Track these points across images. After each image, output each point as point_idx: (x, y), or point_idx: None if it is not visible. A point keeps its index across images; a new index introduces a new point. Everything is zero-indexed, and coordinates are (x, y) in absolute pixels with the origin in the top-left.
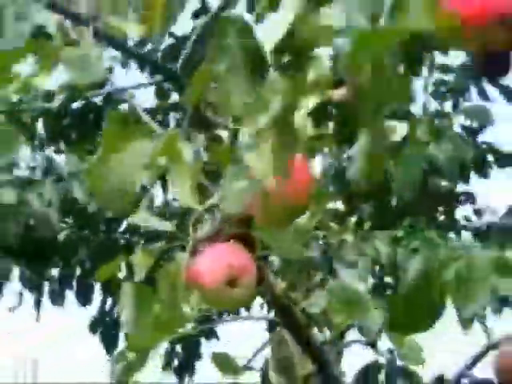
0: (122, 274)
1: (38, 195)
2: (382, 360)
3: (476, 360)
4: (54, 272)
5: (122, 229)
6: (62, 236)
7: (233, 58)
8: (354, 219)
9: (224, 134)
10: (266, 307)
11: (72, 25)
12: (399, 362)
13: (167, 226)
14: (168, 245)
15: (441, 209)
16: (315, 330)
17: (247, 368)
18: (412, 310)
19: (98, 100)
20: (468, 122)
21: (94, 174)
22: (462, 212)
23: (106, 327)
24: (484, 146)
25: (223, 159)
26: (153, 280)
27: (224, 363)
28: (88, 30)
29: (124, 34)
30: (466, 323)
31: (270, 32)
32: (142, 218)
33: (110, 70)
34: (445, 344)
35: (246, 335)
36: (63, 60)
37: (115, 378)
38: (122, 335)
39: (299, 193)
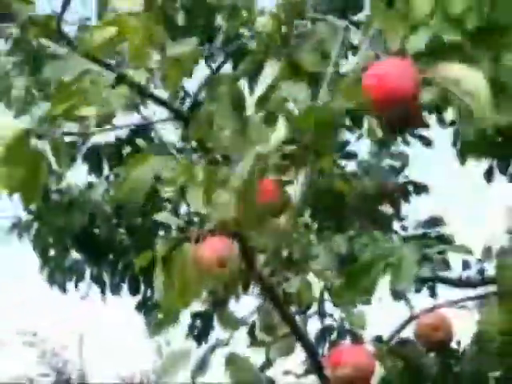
0: None
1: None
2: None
3: (402, 326)
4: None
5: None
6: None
7: (222, 101)
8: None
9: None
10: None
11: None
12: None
13: (180, 222)
14: (179, 236)
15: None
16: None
17: (243, 323)
18: (358, 285)
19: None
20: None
21: (125, 177)
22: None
23: (147, 309)
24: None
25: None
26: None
27: (227, 319)
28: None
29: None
30: (397, 296)
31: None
32: (164, 217)
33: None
34: (380, 314)
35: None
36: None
37: (149, 332)
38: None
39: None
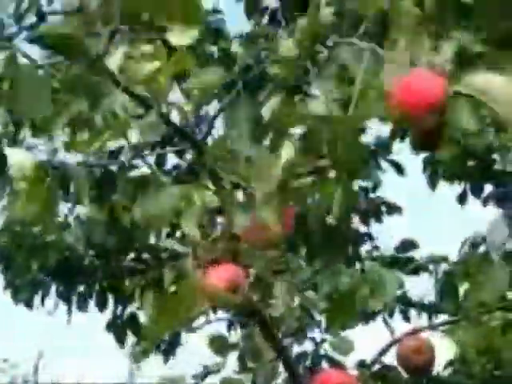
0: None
1: (72, 235)
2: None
3: (384, 350)
4: (80, 288)
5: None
6: (86, 262)
7: (240, 127)
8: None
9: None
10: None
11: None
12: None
13: (185, 248)
14: (186, 263)
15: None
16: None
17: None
18: (345, 310)
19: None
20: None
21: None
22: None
23: (117, 327)
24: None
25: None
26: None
27: (218, 344)
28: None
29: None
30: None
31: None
32: (169, 243)
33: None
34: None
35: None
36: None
37: (133, 358)
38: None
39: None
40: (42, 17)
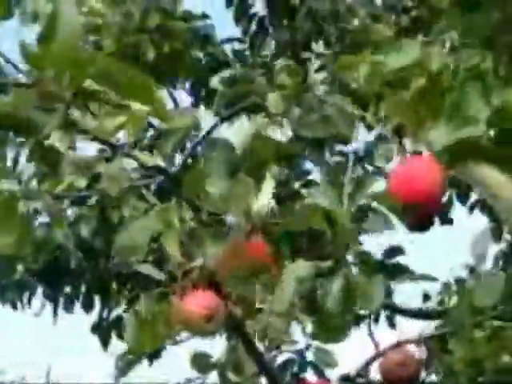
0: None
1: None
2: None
3: (369, 363)
4: (67, 289)
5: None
6: (73, 264)
7: (216, 164)
8: None
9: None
10: None
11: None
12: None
13: (162, 275)
14: (163, 289)
15: None
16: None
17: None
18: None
19: None
20: None
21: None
22: None
23: (102, 329)
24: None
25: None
26: None
27: (200, 361)
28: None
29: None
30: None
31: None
32: (146, 268)
33: None
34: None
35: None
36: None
37: (118, 371)
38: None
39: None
40: None
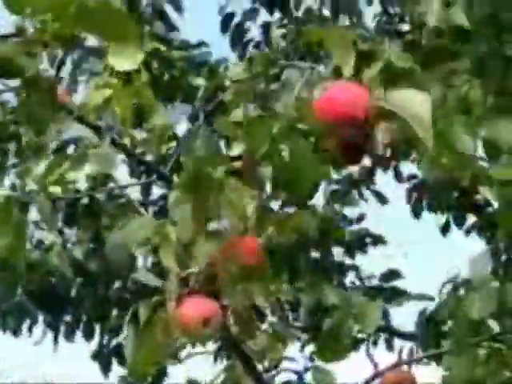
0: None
1: (57, 256)
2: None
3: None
4: (67, 318)
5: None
6: (74, 291)
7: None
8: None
9: None
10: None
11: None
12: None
13: (159, 282)
14: (160, 298)
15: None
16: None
17: None
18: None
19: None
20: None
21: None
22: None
23: (102, 356)
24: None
25: None
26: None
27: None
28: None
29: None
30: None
31: None
32: (143, 275)
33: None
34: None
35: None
36: (90, 157)
37: None
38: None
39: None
40: None
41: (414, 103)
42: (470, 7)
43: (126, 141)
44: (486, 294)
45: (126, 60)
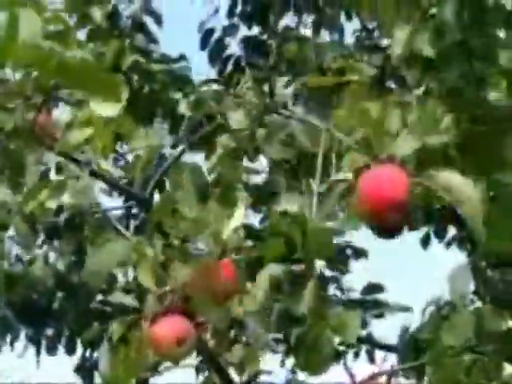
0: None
1: (39, 269)
2: None
3: None
4: (49, 332)
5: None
6: (55, 305)
7: (186, 190)
8: None
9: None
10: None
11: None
12: None
13: (133, 303)
14: (135, 316)
15: None
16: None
17: None
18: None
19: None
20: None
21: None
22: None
23: (85, 370)
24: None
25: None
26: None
27: None
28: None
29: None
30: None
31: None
32: (120, 297)
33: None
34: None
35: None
36: (69, 189)
37: None
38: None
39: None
40: None
41: (460, 188)
42: (442, 35)
43: (106, 169)
44: (461, 319)
45: (107, 107)
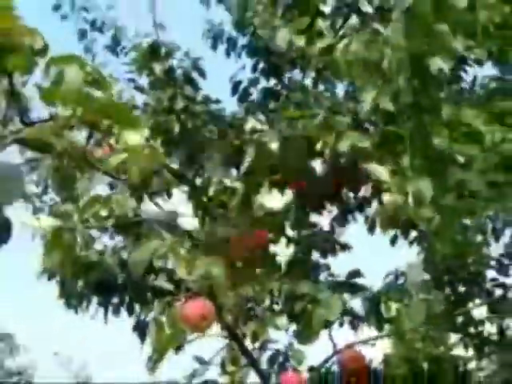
0: None
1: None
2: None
3: (328, 358)
4: (115, 299)
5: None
6: (119, 281)
7: None
8: None
9: None
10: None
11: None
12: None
13: (170, 287)
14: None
15: None
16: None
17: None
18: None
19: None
20: None
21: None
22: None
23: (140, 328)
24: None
25: None
26: None
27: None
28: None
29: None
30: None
31: None
32: (159, 282)
33: None
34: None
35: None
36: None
37: (148, 366)
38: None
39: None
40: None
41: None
42: (397, 97)
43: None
44: (415, 306)
45: (134, 137)
